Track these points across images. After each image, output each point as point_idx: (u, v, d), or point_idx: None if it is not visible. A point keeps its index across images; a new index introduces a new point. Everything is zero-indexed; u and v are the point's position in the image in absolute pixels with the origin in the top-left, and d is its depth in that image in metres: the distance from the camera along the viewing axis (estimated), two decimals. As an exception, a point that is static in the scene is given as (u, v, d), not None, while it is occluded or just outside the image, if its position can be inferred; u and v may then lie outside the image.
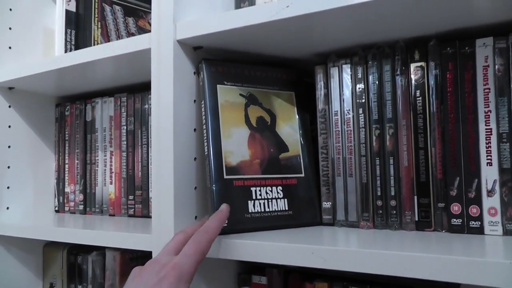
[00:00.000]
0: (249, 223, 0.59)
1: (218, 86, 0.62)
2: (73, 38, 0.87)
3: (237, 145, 0.61)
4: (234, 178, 0.59)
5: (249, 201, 0.60)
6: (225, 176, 0.59)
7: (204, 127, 0.61)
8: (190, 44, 0.63)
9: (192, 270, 0.47)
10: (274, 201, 0.61)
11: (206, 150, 0.60)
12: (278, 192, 0.62)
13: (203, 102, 0.61)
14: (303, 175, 0.65)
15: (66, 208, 0.95)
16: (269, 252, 0.52)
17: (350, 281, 0.63)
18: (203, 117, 0.61)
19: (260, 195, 0.60)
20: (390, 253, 0.45)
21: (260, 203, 0.60)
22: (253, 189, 0.60)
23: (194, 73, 0.65)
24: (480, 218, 0.54)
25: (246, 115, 0.63)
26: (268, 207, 0.61)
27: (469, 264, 0.41)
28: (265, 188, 0.61)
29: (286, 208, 0.62)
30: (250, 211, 0.59)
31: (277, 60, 0.71)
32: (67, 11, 0.87)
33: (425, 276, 0.44)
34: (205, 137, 0.60)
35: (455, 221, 0.55)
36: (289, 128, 0.67)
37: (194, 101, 0.64)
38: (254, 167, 0.61)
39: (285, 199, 0.62)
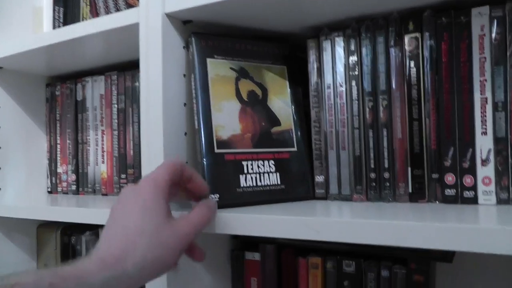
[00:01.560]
0: (241, 198, 0.58)
1: (208, 59, 0.61)
2: (61, 15, 0.85)
3: (228, 119, 0.60)
4: (225, 152, 0.59)
5: (240, 175, 0.59)
6: (216, 150, 0.58)
7: (194, 101, 0.60)
8: (179, 18, 0.62)
9: (166, 177, 0.46)
10: (266, 175, 0.61)
11: (196, 124, 0.59)
12: (270, 166, 0.61)
13: (193, 76, 0.60)
14: (295, 149, 0.64)
15: (59, 189, 0.95)
16: (261, 225, 0.51)
17: (343, 255, 0.63)
18: (193, 91, 0.60)
19: (252, 169, 0.60)
20: (383, 223, 0.45)
21: (252, 177, 0.59)
22: (244, 163, 0.59)
23: (184, 47, 0.63)
24: (474, 188, 0.53)
25: (237, 89, 0.62)
26: (260, 181, 0.60)
27: (462, 231, 0.40)
28: (257, 162, 0.60)
29: (279, 182, 0.61)
30: (242, 185, 0.59)
31: (269, 34, 0.69)
32: (55, -12, 0.85)
33: (419, 245, 0.43)
34: (195, 111, 0.59)
35: (449, 192, 0.55)
36: (281, 102, 0.65)
37: (184, 75, 0.63)
38: (245, 141, 0.61)
39: (278, 173, 0.62)
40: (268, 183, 0.61)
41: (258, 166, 0.60)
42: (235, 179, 0.58)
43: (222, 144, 0.59)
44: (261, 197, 0.60)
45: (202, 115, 0.58)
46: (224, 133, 0.59)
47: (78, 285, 0.37)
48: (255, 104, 0.63)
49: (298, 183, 0.63)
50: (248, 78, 0.64)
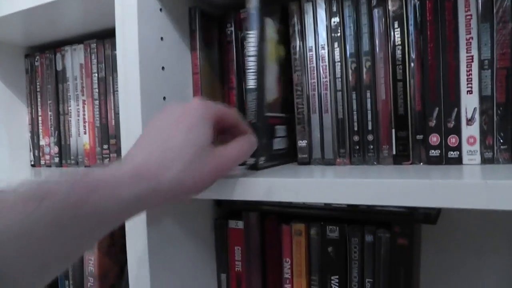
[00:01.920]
0: (272, 161, 0.60)
1: (265, 18, 0.59)
2: (36, -19, 0.82)
3: (271, 82, 0.60)
4: (269, 115, 0.60)
5: (273, 140, 0.61)
6: (265, 113, 0.58)
7: (253, 59, 0.57)
8: (155, -23, 0.59)
9: (218, 112, 0.46)
10: (284, 139, 0.64)
11: (252, 84, 0.56)
12: (285, 131, 0.64)
13: (252, 32, 0.57)
14: (291, 114, 0.63)
15: (42, 162, 0.93)
16: (240, 189, 0.50)
17: (327, 220, 0.62)
18: (250, 48, 0.57)
19: (278, 133, 0.62)
20: (365, 181, 0.43)
21: (278, 141, 0.62)
22: (276, 127, 0.62)
23: (160, 9, 0.61)
24: (458, 147, 0.52)
25: (277, 52, 0.62)
26: (279, 145, 0.62)
27: (445, 186, 0.40)
28: (281, 126, 0.63)
29: (286, 146, 0.64)
30: (273, 148, 0.61)
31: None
32: (28, -49, 0.81)
33: (403, 203, 0.42)
34: (251, 70, 0.57)
35: (433, 153, 0.54)
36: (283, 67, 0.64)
37: (161, 38, 0.61)
38: (277, 106, 0.62)
39: (286, 138, 0.64)
40: (281, 147, 0.63)
41: (282, 131, 0.63)
42: (270, 143, 0.60)
43: (268, 107, 0.59)
44: (278, 160, 0.62)
45: (259, 74, 0.56)
46: (269, 96, 0.59)
47: (111, 197, 0.36)
48: (281, 69, 0.63)
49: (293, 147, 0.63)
50: (281, 43, 0.63)
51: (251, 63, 0.56)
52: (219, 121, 0.46)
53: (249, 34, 0.57)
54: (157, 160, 0.40)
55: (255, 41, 0.57)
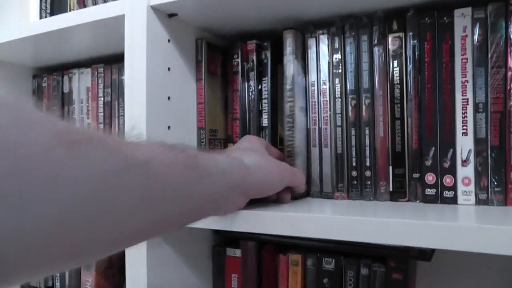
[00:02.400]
0: None
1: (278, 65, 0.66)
2: (48, 6, 0.85)
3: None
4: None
5: None
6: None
7: (266, 102, 0.66)
8: (164, 11, 0.61)
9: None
10: None
11: (265, 122, 0.65)
12: None
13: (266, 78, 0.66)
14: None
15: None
16: (240, 220, 0.51)
17: (323, 252, 0.63)
18: (265, 92, 0.65)
19: None
20: (362, 219, 0.45)
21: None
22: None
23: (169, 40, 0.63)
24: (454, 187, 0.54)
25: None
26: None
27: (441, 228, 0.41)
28: None
29: None
30: None
31: (253, 32, 0.69)
32: (42, -22, 0.84)
33: (398, 242, 0.43)
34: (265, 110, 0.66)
35: (429, 191, 0.55)
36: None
37: (168, 69, 0.63)
38: None
39: None
40: None
41: None
42: None
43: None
44: None
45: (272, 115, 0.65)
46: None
47: (212, 159, 0.43)
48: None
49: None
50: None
51: (265, 104, 0.65)
52: (269, 150, 0.57)
53: (263, 79, 0.65)
54: (236, 153, 0.49)
55: (268, 86, 0.64)
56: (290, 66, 0.61)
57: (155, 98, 0.60)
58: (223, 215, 0.51)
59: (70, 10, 0.83)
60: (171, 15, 0.63)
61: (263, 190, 0.50)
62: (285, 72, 0.62)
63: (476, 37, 0.53)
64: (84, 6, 0.84)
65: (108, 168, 0.29)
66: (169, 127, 0.62)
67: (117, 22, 0.65)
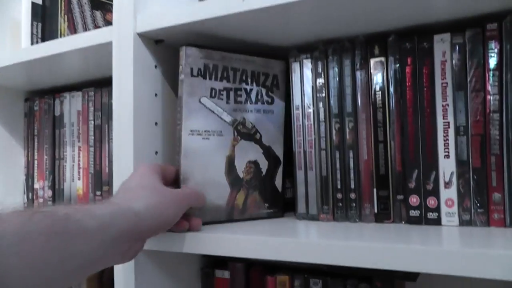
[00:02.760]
0: None
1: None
2: (39, 30, 0.86)
3: None
4: None
5: None
6: None
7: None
8: (151, 37, 0.63)
9: (157, 167, 0.55)
10: None
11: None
12: None
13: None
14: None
15: (35, 204, 0.94)
16: (226, 245, 0.52)
17: (310, 273, 0.63)
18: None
19: None
20: (348, 244, 0.46)
21: None
22: None
23: (156, 66, 0.64)
24: (437, 209, 0.54)
25: None
26: None
27: (426, 253, 0.41)
28: None
29: None
30: None
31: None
32: (33, 3, 0.85)
33: (384, 266, 0.44)
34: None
35: (413, 213, 0.56)
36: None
37: (155, 94, 0.64)
38: None
39: None
40: None
41: None
42: None
43: None
44: None
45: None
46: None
47: (88, 215, 0.41)
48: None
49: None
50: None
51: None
52: (163, 173, 0.55)
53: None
54: (125, 196, 0.48)
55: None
56: (182, 86, 0.59)
57: (142, 123, 0.61)
58: (122, 263, 0.50)
59: (60, 35, 0.84)
60: (158, 41, 0.64)
61: (158, 229, 0.49)
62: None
63: (455, 61, 0.54)
64: (75, 30, 0.85)
65: None
66: (156, 152, 0.63)
67: (106, 48, 0.66)
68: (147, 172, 0.52)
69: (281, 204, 0.66)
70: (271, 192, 0.65)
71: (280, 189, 0.66)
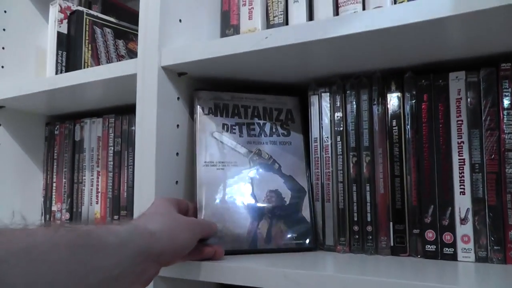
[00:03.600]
0: None
1: None
2: (64, 59, 0.89)
3: None
4: None
5: None
6: None
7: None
8: (174, 70, 0.65)
9: (172, 199, 0.58)
10: None
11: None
12: None
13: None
14: None
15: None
16: (244, 275, 0.53)
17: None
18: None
19: None
20: (363, 279, 0.46)
21: None
22: None
23: (178, 98, 0.66)
24: (453, 245, 0.55)
25: None
26: None
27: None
28: None
29: None
30: None
31: (262, 86, 0.72)
32: (59, 33, 0.89)
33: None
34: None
35: (429, 247, 0.56)
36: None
37: (177, 125, 0.66)
38: None
39: None
40: None
41: None
42: None
43: None
44: None
45: None
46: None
47: (108, 231, 0.43)
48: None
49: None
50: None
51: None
52: (178, 206, 0.57)
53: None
54: (140, 221, 0.49)
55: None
56: (195, 124, 0.65)
57: (164, 153, 0.63)
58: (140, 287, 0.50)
59: (84, 64, 0.87)
60: (181, 74, 0.66)
61: (175, 252, 0.50)
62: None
63: (470, 99, 0.55)
64: (98, 61, 0.88)
65: None
66: (176, 182, 0.65)
67: (129, 79, 0.69)
68: (162, 202, 0.55)
69: (312, 236, 0.64)
70: (298, 222, 0.64)
71: (308, 219, 0.64)
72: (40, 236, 0.37)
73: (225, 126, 0.65)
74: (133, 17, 0.95)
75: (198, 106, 0.65)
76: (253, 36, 0.56)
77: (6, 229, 0.36)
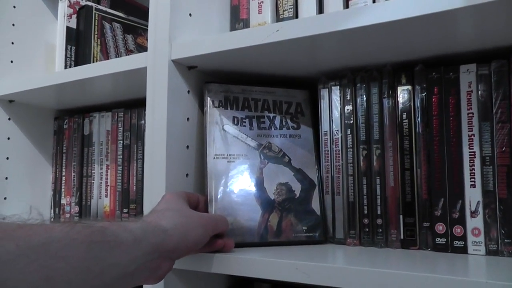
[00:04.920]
0: None
1: None
2: (73, 54, 0.90)
3: None
4: None
5: None
6: None
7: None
8: (184, 64, 0.65)
9: (182, 193, 0.58)
10: None
11: None
12: None
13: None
14: None
15: (62, 219, 0.96)
16: (255, 267, 0.53)
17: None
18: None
19: None
20: (374, 271, 0.46)
21: None
22: None
23: (188, 91, 0.66)
24: (464, 238, 0.55)
25: None
26: None
27: (449, 283, 0.42)
28: None
29: None
30: None
31: (272, 80, 0.73)
32: (68, 28, 0.89)
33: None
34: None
35: (439, 240, 0.56)
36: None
37: (188, 119, 0.66)
38: None
39: None
40: None
41: None
42: None
43: None
44: None
45: None
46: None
47: (122, 228, 0.44)
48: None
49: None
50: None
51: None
52: (188, 199, 0.57)
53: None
54: (152, 217, 0.50)
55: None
56: (206, 116, 0.65)
57: (175, 146, 0.63)
58: (152, 283, 0.51)
59: (93, 59, 0.88)
60: (191, 68, 0.66)
61: (187, 247, 0.50)
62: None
63: (481, 92, 0.55)
64: (107, 55, 0.88)
65: None
66: (187, 175, 0.65)
67: (139, 73, 0.69)
68: (173, 197, 0.55)
69: (322, 228, 0.64)
70: (308, 215, 0.64)
71: (318, 212, 0.65)
72: (57, 232, 0.37)
73: (235, 119, 0.66)
74: (141, 12, 0.95)
75: (209, 99, 0.65)
76: (264, 29, 0.57)
77: (25, 224, 0.37)
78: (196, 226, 0.51)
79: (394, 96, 0.61)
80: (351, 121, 0.63)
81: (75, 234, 0.38)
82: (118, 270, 0.41)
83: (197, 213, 0.54)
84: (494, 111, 0.54)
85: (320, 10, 0.64)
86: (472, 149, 0.55)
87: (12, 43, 0.95)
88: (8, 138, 0.95)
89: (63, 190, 0.97)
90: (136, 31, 0.94)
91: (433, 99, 0.58)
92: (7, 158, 0.95)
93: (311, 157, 0.67)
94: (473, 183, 0.55)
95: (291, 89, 0.70)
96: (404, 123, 0.60)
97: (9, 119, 0.95)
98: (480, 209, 0.54)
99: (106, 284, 0.40)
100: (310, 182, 0.66)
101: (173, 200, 0.54)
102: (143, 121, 0.85)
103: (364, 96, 0.62)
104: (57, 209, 0.98)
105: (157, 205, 0.54)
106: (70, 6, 0.90)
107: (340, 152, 0.63)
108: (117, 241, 0.42)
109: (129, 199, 0.85)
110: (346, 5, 0.62)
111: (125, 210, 0.86)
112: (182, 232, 0.49)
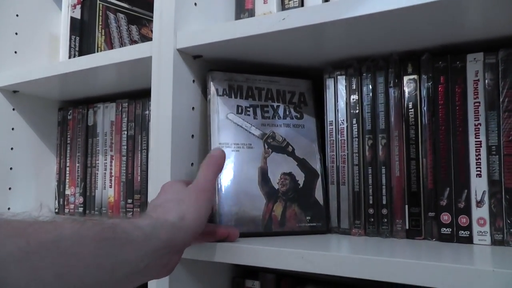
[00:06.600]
0: None
1: None
2: (77, 44, 0.89)
3: None
4: None
5: None
6: None
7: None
8: (189, 53, 0.65)
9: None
10: None
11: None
12: None
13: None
14: None
15: (66, 210, 0.97)
16: (261, 256, 0.53)
17: (341, 286, 0.64)
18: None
19: None
20: (378, 259, 0.46)
21: None
22: None
23: (193, 81, 0.66)
24: (469, 228, 0.55)
25: None
26: None
27: (455, 271, 0.42)
28: None
29: None
30: None
31: (275, 69, 0.72)
32: (72, 18, 0.89)
33: (415, 282, 0.45)
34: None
35: (444, 230, 0.56)
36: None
37: (193, 108, 0.66)
38: None
39: None
40: None
41: None
42: None
43: None
44: None
45: None
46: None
47: (132, 225, 0.44)
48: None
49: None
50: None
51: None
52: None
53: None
54: (158, 212, 0.49)
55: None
56: (209, 105, 0.65)
57: (180, 135, 0.63)
58: (163, 277, 0.51)
59: (97, 49, 0.88)
60: (196, 57, 0.66)
61: (196, 234, 0.50)
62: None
63: (487, 81, 0.55)
64: (112, 46, 0.88)
65: (5, 255, 0.32)
66: (192, 164, 0.65)
67: (144, 63, 0.69)
68: (171, 186, 0.55)
69: (324, 218, 0.64)
70: (312, 205, 0.65)
71: (322, 202, 0.65)
72: (68, 228, 0.37)
73: (240, 108, 0.65)
74: (145, 2, 0.95)
75: (212, 87, 0.65)
76: (270, 18, 0.56)
77: (36, 221, 0.37)
78: (200, 210, 0.50)
79: (400, 85, 0.60)
80: (357, 111, 0.62)
81: (86, 231, 0.38)
82: (129, 267, 0.41)
83: (194, 192, 0.52)
84: (501, 100, 0.54)
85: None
86: (478, 138, 0.55)
87: (16, 33, 0.95)
88: (13, 129, 0.95)
89: (67, 180, 0.97)
90: (140, 22, 0.94)
91: (440, 88, 0.58)
92: (12, 149, 0.95)
93: (314, 147, 0.67)
94: (479, 172, 0.55)
95: (294, 79, 0.70)
96: (410, 113, 0.60)
97: (13, 109, 0.95)
98: (486, 198, 0.54)
99: (117, 280, 0.41)
100: (314, 172, 0.66)
101: (171, 189, 0.54)
102: (147, 112, 0.85)
103: (370, 86, 0.62)
104: (61, 200, 0.98)
105: (157, 198, 0.53)
106: (74, -4, 0.90)
107: (346, 142, 0.63)
108: (128, 238, 0.42)
109: (134, 189, 0.85)
110: (352, -6, 0.61)
111: (130, 201, 0.86)
112: (188, 221, 0.49)
